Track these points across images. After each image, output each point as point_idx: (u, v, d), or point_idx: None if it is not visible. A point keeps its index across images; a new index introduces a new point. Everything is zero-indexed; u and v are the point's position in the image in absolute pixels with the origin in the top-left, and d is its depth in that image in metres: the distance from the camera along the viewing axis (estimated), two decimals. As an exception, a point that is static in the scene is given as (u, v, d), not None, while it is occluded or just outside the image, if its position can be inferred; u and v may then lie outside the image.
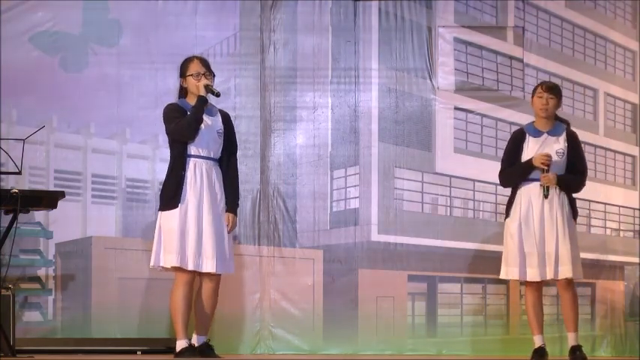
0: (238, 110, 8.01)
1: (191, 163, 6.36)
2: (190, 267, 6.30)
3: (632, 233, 8.37)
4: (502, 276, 6.84)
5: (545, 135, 6.79)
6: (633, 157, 8.50)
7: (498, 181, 6.96)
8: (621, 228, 8.40)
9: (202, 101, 6.38)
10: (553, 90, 6.81)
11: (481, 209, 8.29)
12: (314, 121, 8.22)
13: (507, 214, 6.82)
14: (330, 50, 8.25)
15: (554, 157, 6.71)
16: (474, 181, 8.27)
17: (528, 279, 6.71)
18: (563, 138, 6.80)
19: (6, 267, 6.77)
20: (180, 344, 6.38)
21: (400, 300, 8.13)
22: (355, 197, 8.18)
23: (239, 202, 6.54)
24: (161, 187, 6.49)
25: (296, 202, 8.15)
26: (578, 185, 6.83)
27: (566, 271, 6.64)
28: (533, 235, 6.68)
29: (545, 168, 6.67)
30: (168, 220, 6.32)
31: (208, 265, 6.32)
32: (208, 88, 6.40)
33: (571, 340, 6.76)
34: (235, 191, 6.51)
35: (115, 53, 8.11)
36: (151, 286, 7.84)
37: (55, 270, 7.98)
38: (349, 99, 8.22)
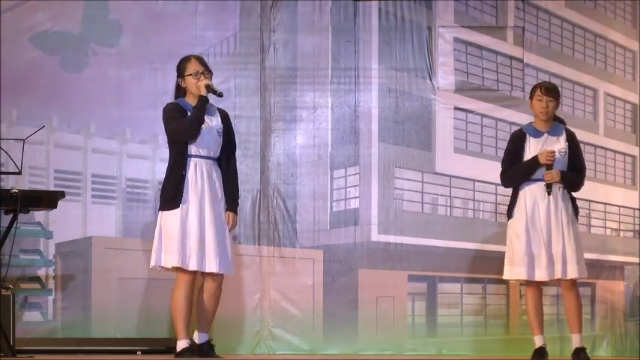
0: (238, 110, 8.00)
1: (191, 162, 6.36)
2: (193, 267, 6.29)
3: (632, 233, 8.37)
4: (506, 276, 6.84)
5: (545, 135, 6.80)
6: (633, 157, 8.50)
7: (500, 182, 6.95)
8: (621, 228, 8.40)
9: (204, 101, 6.38)
10: (552, 92, 6.82)
11: (481, 209, 8.28)
12: (314, 121, 8.22)
13: (510, 215, 6.81)
14: (330, 50, 8.25)
15: (557, 156, 6.72)
16: (474, 181, 8.27)
17: (537, 279, 6.70)
18: (563, 138, 6.81)
19: (6, 267, 6.77)
20: (181, 344, 6.38)
21: (400, 300, 8.13)
22: (355, 197, 8.18)
23: (239, 201, 6.54)
24: (161, 187, 6.49)
25: (296, 202, 8.15)
26: (579, 183, 6.84)
27: (573, 271, 6.65)
28: (540, 236, 6.68)
29: (550, 164, 6.68)
30: (169, 220, 6.32)
31: (211, 265, 6.31)
32: (210, 88, 6.39)
33: (575, 341, 6.75)
34: (235, 190, 6.51)
35: (115, 53, 8.11)
36: (150, 286, 7.84)
37: (55, 270, 7.98)
38: (349, 99, 8.22)
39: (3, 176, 7.58)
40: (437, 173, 8.27)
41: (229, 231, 6.43)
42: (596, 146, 8.45)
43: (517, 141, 6.85)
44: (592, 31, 8.55)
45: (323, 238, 8.14)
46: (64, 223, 7.92)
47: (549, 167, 6.69)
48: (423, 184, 8.25)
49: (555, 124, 6.84)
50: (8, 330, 6.76)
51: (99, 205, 8.06)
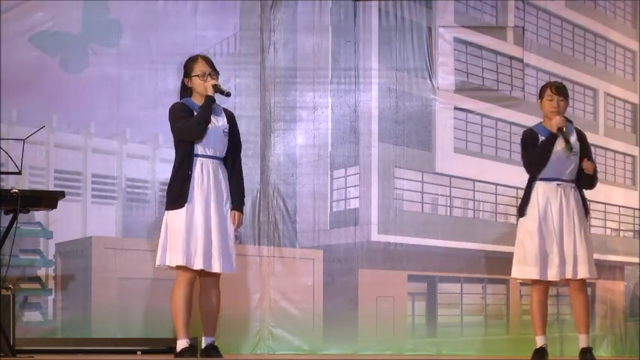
0: (238, 110, 7.98)
1: (198, 162, 6.37)
2: (198, 266, 6.30)
3: (632, 233, 8.37)
4: (516, 275, 6.82)
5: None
6: (633, 157, 8.50)
7: (528, 174, 6.85)
8: (621, 228, 8.40)
9: (210, 101, 6.39)
10: (562, 91, 6.83)
11: (481, 209, 8.28)
12: (314, 121, 8.22)
13: (522, 213, 6.80)
14: (330, 50, 8.25)
15: (571, 156, 6.73)
16: (474, 181, 8.27)
17: (549, 279, 6.70)
18: (574, 137, 6.82)
19: (6, 267, 6.77)
20: (181, 344, 6.38)
21: (400, 300, 8.13)
22: (355, 197, 8.18)
23: (244, 200, 6.55)
24: (166, 186, 6.49)
25: (296, 202, 8.14)
26: (594, 178, 6.85)
27: (584, 271, 6.65)
28: (553, 234, 6.69)
29: (561, 127, 6.67)
30: (175, 219, 6.32)
31: (216, 265, 6.33)
32: (217, 88, 6.41)
33: (582, 341, 6.76)
34: (241, 189, 6.52)
35: (115, 53, 8.11)
36: (150, 286, 7.84)
37: (55, 270, 7.98)
38: (349, 99, 8.22)
39: (3, 176, 7.58)
40: (437, 173, 8.27)
41: (235, 230, 6.44)
42: (596, 146, 8.43)
43: (532, 138, 6.83)
44: (592, 31, 8.55)
45: (323, 238, 8.14)
46: (64, 223, 7.92)
47: (562, 132, 6.68)
48: (423, 184, 8.25)
49: (566, 124, 6.84)
50: (8, 330, 6.76)
51: (99, 205, 8.06)
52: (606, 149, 8.50)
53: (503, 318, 8.22)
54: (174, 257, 6.31)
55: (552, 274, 6.67)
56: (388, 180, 8.18)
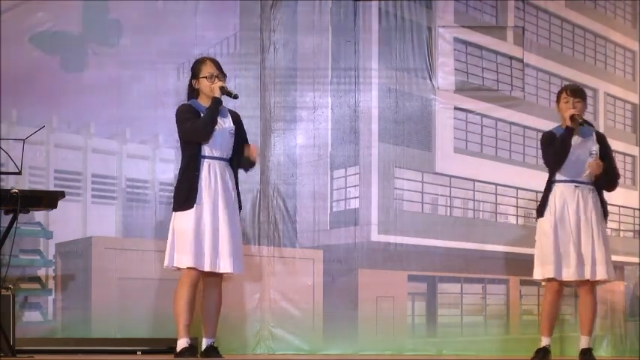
0: (238, 110, 7.98)
1: (205, 163, 6.39)
2: (207, 268, 6.32)
3: (632, 233, 8.37)
4: (536, 276, 6.85)
5: (576, 137, 6.80)
6: (633, 157, 8.50)
7: (548, 171, 6.88)
8: (621, 228, 8.40)
9: (218, 103, 6.42)
10: (579, 94, 6.86)
11: (481, 209, 8.28)
12: (314, 121, 8.22)
13: (541, 213, 6.82)
14: (330, 50, 8.25)
15: (589, 159, 6.75)
16: (473, 181, 8.27)
17: (564, 278, 6.72)
18: (593, 139, 6.85)
19: (6, 267, 6.76)
20: (181, 344, 6.39)
21: (400, 300, 8.12)
22: (355, 197, 8.18)
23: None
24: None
25: (296, 202, 8.14)
26: (614, 178, 6.87)
27: (602, 273, 6.68)
28: (570, 235, 6.71)
29: (574, 115, 6.70)
30: (183, 220, 6.34)
31: (225, 266, 6.36)
32: (224, 90, 6.44)
33: (584, 342, 6.82)
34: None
35: (115, 53, 8.11)
36: (150, 286, 7.84)
37: (55, 270, 7.98)
38: (349, 99, 8.22)
39: (3, 176, 7.57)
40: (437, 173, 8.26)
41: (254, 155, 6.51)
42: (596, 146, 8.44)
43: (548, 140, 6.86)
44: (592, 31, 8.54)
45: (323, 238, 8.14)
46: (64, 223, 7.92)
47: (575, 119, 6.71)
48: (423, 184, 8.25)
49: (585, 126, 6.86)
50: (8, 330, 6.75)
51: (99, 205, 8.05)
52: (606, 149, 8.48)
53: (504, 318, 8.22)
54: (183, 258, 6.32)
55: (569, 274, 6.70)
56: (388, 180, 8.18)
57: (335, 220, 8.19)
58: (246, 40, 8.20)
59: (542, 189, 6.98)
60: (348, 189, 8.22)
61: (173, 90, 7.99)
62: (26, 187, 7.73)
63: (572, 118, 6.73)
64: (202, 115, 6.41)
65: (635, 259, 8.25)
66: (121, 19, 8.13)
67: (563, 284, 6.83)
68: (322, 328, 8.06)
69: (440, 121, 8.24)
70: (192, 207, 6.32)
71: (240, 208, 6.56)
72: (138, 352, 7.69)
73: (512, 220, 8.27)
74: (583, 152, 6.81)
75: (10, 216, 6.68)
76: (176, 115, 6.47)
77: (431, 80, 8.23)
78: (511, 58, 8.34)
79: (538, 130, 8.03)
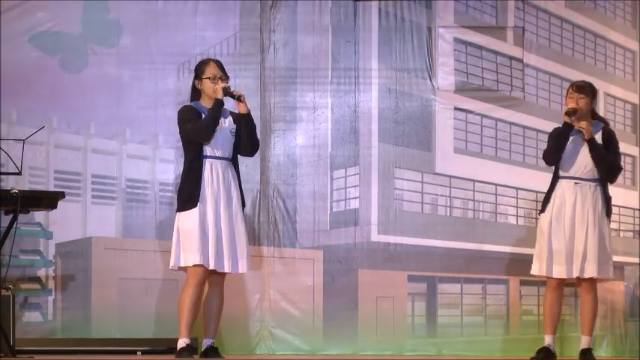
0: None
1: (207, 163, 6.43)
2: (212, 266, 6.34)
3: (632, 233, 8.37)
4: (532, 272, 6.88)
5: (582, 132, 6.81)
6: (633, 157, 8.50)
7: (546, 163, 6.90)
8: (621, 228, 8.39)
9: (220, 104, 6.46)
10: (583, 89, 6.87)
11: (481, 209, 8.28)
12: (314, 121, 8.22)
13: (543, 209, 6.85)
14: (330, 50, 8.25)
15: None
16: (473, 181, 8.27)
17: (554, 275, 6.73)
18: (598, 136, 6.84)
19: (6, 267, 6.77)
20: (181, 343, 6.40)
21: (400, 300, 8.13)
22: (355, 197, 8.18)
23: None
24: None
25: (296, 202, 8.14)
26: (608, 160, 6.83)
27: (591, 270, 6.68)
28: (563, 232, 6.72)
29: (570, 109, 6.72)
30: (187, 220, 6.37)
31: (229, 265, 6.39)
32: (227, 91, 6.46)
33: (584, 342, 6.83)
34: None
35: (115, 53, 8.11)
36: (150, 287, 7.84)
37: (55, 270, 7.98)
38: (349, 99, 8.22)
39: (3, 176, 7.58)
40: (437, 173, 8.26)
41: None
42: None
43: (552, 134, 6.88)
44: (592, 31, 8.54)
45: (323, 238, 8.14)
46: (64, 223, 7.92)
47: (570, 113, 6.73)
48: (423, 184, 8.25)
49: (594, 122, 6.87)
50: (8, 330, 6.76)
51: (99, 206, 8.06)
52: (606, 149, 8.47)
53: (503, 318, 8.22)
54: (189, 257, 6.35)
55: (558, 271, 6.70)
56: (388, 180, 8.18)
57: (335, 220, 8.19)
58: (246, 40, 8.20)
59: (543, 189, 6.99)
60: (348, 189, 8.22)
61: (173, 90, 8.00)
62: (26, 187, 7.74)
63: (566, 112, 6.75)
64: (204, 116, 6.43)
65: (635, 259, 8.25)
66: (121, 19, 8.13)
67: (561, 282, 6.83)
68: (322, 329, 8.06)
69: (440, 121, 8.24)
70: (196, 206, 6.35)
71: (243, 205, 6.57)
72: (138, 353, 7.69)
73: (512, 220, 8.27)
74: (585, 149, 6.81)
75: (10, 216, 6.68)
76: (178, 116, 6.50)
77: (431, 80, 8.23)
78: (511, 58, 8.34)
79: (538, 131, 8.04)
